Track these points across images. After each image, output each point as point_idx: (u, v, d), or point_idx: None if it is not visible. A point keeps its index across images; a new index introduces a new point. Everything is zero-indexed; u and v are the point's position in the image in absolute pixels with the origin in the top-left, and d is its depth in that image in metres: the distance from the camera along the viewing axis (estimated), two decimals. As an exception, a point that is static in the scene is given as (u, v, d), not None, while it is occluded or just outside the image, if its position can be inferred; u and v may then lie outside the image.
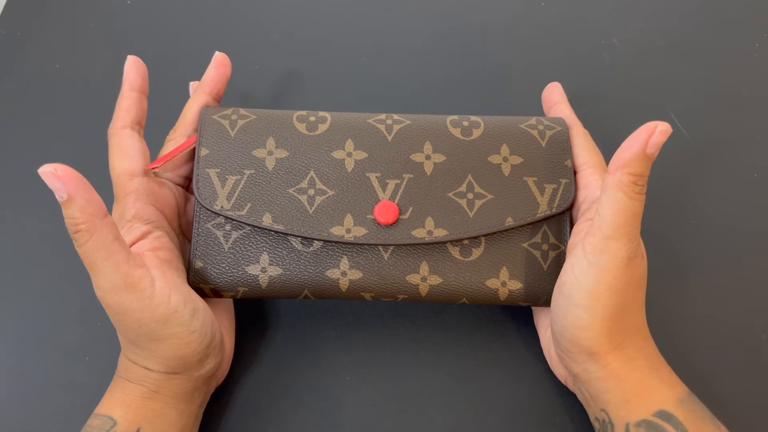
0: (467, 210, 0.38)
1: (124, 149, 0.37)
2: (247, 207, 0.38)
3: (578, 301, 0.33)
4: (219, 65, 0.42)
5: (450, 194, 0.38)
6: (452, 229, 0.38)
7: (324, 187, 0.38)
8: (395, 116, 0.40)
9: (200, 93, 0.41)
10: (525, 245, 0.39)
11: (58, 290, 0.44)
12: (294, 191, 0.38)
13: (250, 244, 0.38)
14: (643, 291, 0.35)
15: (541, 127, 0.40)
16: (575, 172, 0.40)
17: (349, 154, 0.39)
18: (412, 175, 0.38)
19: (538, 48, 0.55)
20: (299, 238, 0.38)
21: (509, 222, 0.38)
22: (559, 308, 0.35)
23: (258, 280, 0.38)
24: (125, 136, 0.38)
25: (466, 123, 0.40)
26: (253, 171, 0.38)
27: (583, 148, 0.40)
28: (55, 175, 0.29)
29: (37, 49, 0.54)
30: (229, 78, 0.43)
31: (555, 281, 0.37)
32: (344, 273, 0.38)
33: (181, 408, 0.35)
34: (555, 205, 0.38)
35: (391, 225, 0.37)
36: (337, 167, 0.38)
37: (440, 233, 0.37)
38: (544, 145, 0.40)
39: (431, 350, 0.42)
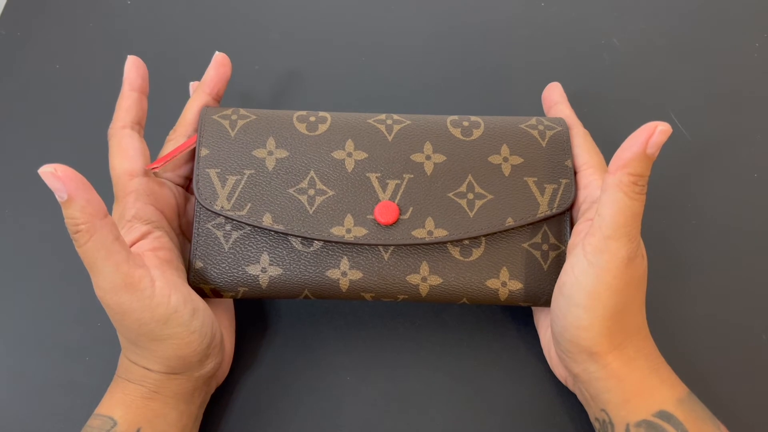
0: (467, 210, 0.38)
1: (124, 149, 0.37)
2: (247, 207, 0.38)
3: (578, 301, 0.33)
4: (219, 65, 0.42)
5: (450, 194, 0.38)
6: (452, 230, 0.38)
7: (324, 187, 0.38)
8: (395, 116, 0.40)
9: (200, 93, 0.41)
10: (525, 245, 0.39)
11: (58, 290, 0.44)
12: (294, 191, 0.38)
13: (251, 244, 0.38)
14: (643, 291, 0.35)
15: (541, 127, 0.40)
16: (575, 172, 0.40)
17: (350, 154, 0.39)
18: (412, 176, 0.38)
19: (538, 48, 0.55)
20: (299, 238, 0.38)
21: (509, 222, 0.38)
22: (559, 308, 0.35)
23: (258, 280, 0.38)
24: (125, 136, 0.38)
25: (466, 123, 0.40)
26: (253, 171, 0.38)
27: (584, 148, 0.40)
28: (55, 175, 0.29)
29: (37, 49, 0.54)
30: (229, 78, 0.43)
31: (555, 281, 0.37)
32: (344, 273, 0.38)
33: (181, 408, 0.35)
34: (555, 206, 0.38)
35: (391, 225, 0.37)
36: (337, 167, 0.38)
37: (440, 233, 0.37)
38: (544, 146, 0.40)
39: (431, 350, 0.42)
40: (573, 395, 0.40)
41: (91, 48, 0.54)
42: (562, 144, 0.40)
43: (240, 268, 0.38)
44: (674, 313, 0.44)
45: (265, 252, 0.38)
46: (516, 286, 0.38)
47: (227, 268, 0.38)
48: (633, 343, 0.34)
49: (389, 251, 0.38)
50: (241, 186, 0.38)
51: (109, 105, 0.39)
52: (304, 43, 0.55)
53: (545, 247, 0.39)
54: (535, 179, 0.39)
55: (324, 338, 0.43)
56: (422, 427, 0.40)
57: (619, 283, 0.33)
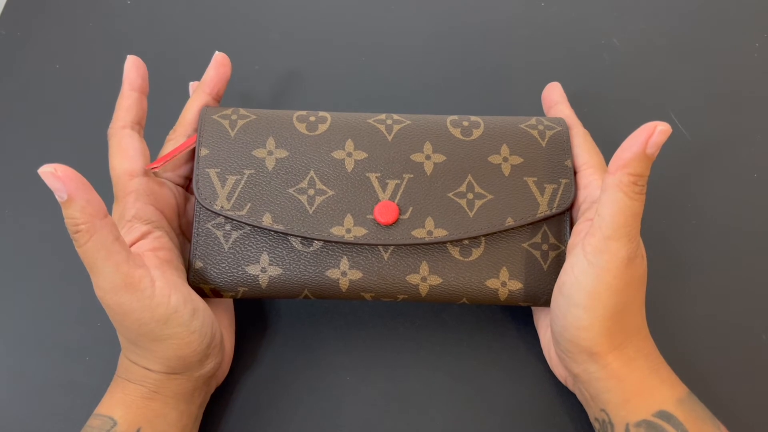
0: (467, 210, 0.38)
1: (124, 149, 0.37)
2: (247, 207, 0.38)
3: (578, 301, 0.33)
4: (219, 65, 0.42)
5: (450, 194, 0.38)
6: (452, 229, 0.38)
7: (324, 187, 0.38)
8: (395, 116, 0.40)
9: (200, 93, 0.41)
10: (525, 245, 0.39)
11: (58, 290, 0.44)
12: (294, 191, 0.38)
13: (250, 244, 0.38)
14: (643, 291, 0.35)
15: (541, 127, 0.40)
16: (575, 172, 0.40)
17: (349, 154, 0.39)
18: (412, 175, 0.38)
19: (538, 48, 0.55)
20: (299, 238, 0.38)
21: (509, 222, 0.38)
22: (559, 308, 0.35)
23: (258, 280, 0.38)
24: (125, 136, 0.38)
25: (466, 123, 0.40)
26: (253, 171, 0.38)
27: (583, 148, 0.40)
28: (55, 175, 0.29)
29: (37, 49, 0.54)
30: (229, 78, 0.43)
31: (555, 281, 0.37)
32: (344, 273, 0.38)
33: (181, 408, 0.35)
34: (555, 205, 0.38)
35: (391, 225, 0.37)
36: (337, 167, 0.38)
37: (440, 233, 0.37)
38: (544, 145, 0.40)
39: (431, 350, 0.42)
40: (573, 395, 0.40)
41: (91, 48, 0.54)
42: (561, 144, 0.40)
43: (240, 268, 0.38)
44: (674, 313, 0.44)
45: (264, 252, 0.38)
46: (516, 286, 0.38)
47: (227, 267, 0.38)
48: (633, 343, 0.34)
49: (389, 251, 0.38)
50: (240, 186, 0.38)
51: (109, 105, 0.39)
52: (304, 43, 0.55)
53: (545, 247, 0.39)
54: (535, 179, 0.39)
55: (324, 338, 0.43)
56: (422, 427, 0.40)
57: (619, 283, 0.33)
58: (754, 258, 0.46)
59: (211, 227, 0.38)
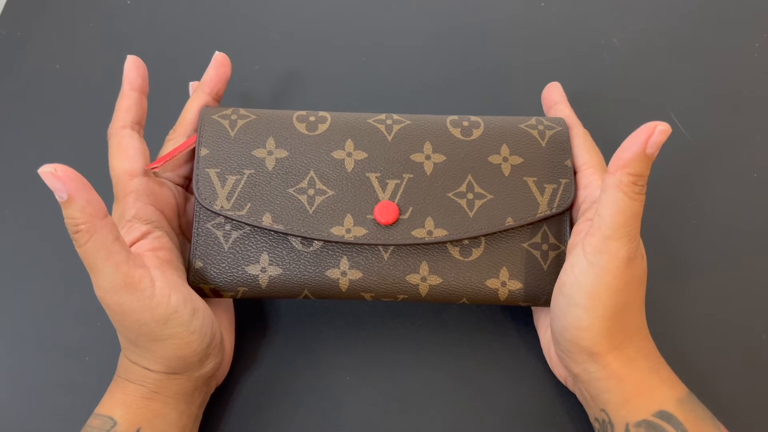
0: (467, 210, 0.38)
1: (124, 149, 0.37)
2: (247, 207, 0.38)
3: (578, 301, 0.33)
4: (219, 65, 0.42)
5: (450, 194, 0.38)
6: (452, 229, 0.38)
7: (324, 187, 0.38)
8: (395, 116, 0.40)
9: (200, 93, 0.41)
10: (525, 245, 0.39)
11: (58, 290, 0.44)
12: (294, 191, 0.38)
13: (250, 244, 0.38)
14: (643, 291, 0.35)
15: (541, 127, 0.40)
16: (575, 172, 0.40)
17: (349, 154, 0.39)
18: (412, 175, 0.38)
19: (538, 48, 0.55)
20: (299, 238, 0.38)
21: (509, 222, 0.38)
22: (559, 308, 0.35)
23: (258, 280, 0.38)
24: (125, 136, 0.38)
25: (466, 123, 0.40)
26: (253, 171, 0.38)
27: (583, 148, 0.40)
28: (55, 175, 0.29)
29: (37, 49, 0.54)
30: (229, 78, 0.43)
31: (555, 281, 0.37)
32: (344, 273, 0.38)
33: (181, 408, 0.35)
34: (555, 205, 0.38)
35: (391, 225, 0.37)
36: (337, 167, 0.38)
37: (440, 233, 0.37)
38: (544, 145, 0.40)
39: (431, 350, 0.42)
40: (573, 395, 0.40)
41: (91, 48, 0.54)
42: (561, 144, 0.40)
43: (240, 268, 0.38)
44: (674, 313, 0.44)
45: (264, 252, 0.38)
46: (516, 285, 0.38)
47: (227, 267, 0.38)
48: (633, 343, 0.34)
49: (389, 251, 0.38)
50: (240, 186, 0.38)
51: (109, 105, 0.39)
52: (304, 43, 0.55)
53: (545, 246, 0.39)
54: (535, 179, 0.39)
55: (324, 338, 0.43)
56: (422, 427, 0.40)
57: (619, 284, 0.33)
58: (754, 258, 0.46)
59: (211, 227, 0.38)
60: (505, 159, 0.39)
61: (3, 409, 0.40)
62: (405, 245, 0.38)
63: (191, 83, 0.45)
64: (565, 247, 0.39)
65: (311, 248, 0.38)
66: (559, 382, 0.40)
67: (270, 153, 0.39)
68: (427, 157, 0.39)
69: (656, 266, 0.40)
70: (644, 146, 0.31)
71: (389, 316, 0.43)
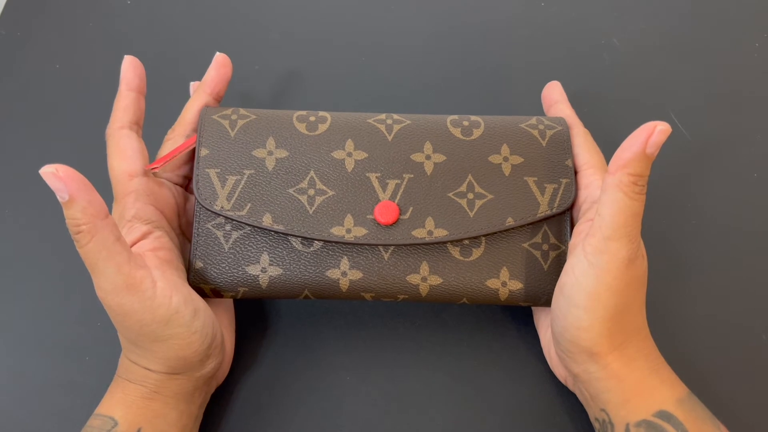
0: (467, 210, 0.38)
1: (123, 150, 0.37)
2: (247, 207, 0.38)
3: (578, 302, 0.33)
4: (220, 66, 0.42)
5: (450, 194, 0.38)
6: (452, 229, 0.38)
7: (324, 187, 0.38)
8: (395, 116, 0.40)
9: (201, 93, 0.41)
10: (525, 245, 0.39)
11: (58, 290, 0.44)
12: (294, 191, 0.38)
13: (251, 244, 0.38)
14: (644, 292, 0.35)
15: (541, 127, 0.40)
16: (576, 172, 0.40)
17: (349, 154, 0.39)
18: (412, 175, 0.38)
19: (538, 48, 0.55)
20: (299, 238, 0.38)
21: (509, 222, 0.38)
22: (560, 309, 0.35)
23: (258, 280, 0.38)
24: (123, 136, 0.38)
25: (466, 123, 0.40)
26: (253, 171, 0.38)
27: (584, 147, 0.40)
28: (57, 175, 0.29)
29: (37, 49, 0.54)
30: (230, 78, 0.43)
31: (555, 281, 0.37)
32: (344, 273, 0.38)
33: (182, 408, 0.35)
34: (555, 205, 0.38)
35: (391, 225, 0.37)
36: (337, 167, 0.38)
37: (440, 233, 0.37)
38: (544, 145, 0.40)
39: (431, 350, 0.42)
40: (573, 395, 0.40)
41: (91, 48, 0.54)
42: (562, 143, 0.40)
43: (240, 268, 0.38)
44: (674, 313, 0.44)
45: (265, 252, 0.38)
46: (516, 286, 0.38)
47: (227, 268, 0.38)
48: (633, 343, 0.34)
49: (389, 251, 0.38)
50: (241, 186, 0.38)
51: (109, 105, 0.39)
52: (304, 43, 0.55)
53: (545, 247, 0.39)
54: (536, 179, 0.39)
55: (324, 338, 0.43)
56: (422, 427, 0.40)
57: (620, 284, 0.33)
58: (754, 258, 0.46)
59: (211, 227, 0.38)
60: (506, 159, 0.39)
61: (3, 409, 0.40)
62: (405, 245, 0.38)
63: (192, 83, 0.45)
64: (566, 246, 0.39)
65: (311, 248, 0.38)
66: (559, 382, 0.40)
67: (270, 153, 0.39)
68: (428, 157, 0.39)
69: (656, 266, 0.40)
70: (644, 146, 0.31)
71: (389, 316, 0.43)
